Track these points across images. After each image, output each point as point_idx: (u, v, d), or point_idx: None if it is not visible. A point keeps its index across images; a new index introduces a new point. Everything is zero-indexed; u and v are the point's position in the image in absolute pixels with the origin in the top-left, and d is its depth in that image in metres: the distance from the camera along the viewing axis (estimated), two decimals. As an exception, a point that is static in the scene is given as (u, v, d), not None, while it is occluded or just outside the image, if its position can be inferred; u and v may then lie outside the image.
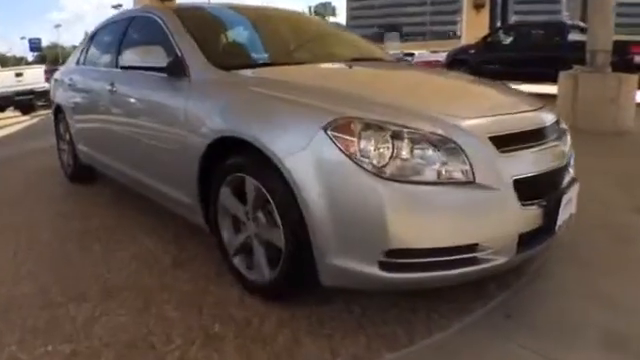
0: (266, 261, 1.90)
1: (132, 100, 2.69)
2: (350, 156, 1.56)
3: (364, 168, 1.54)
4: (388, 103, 1.77)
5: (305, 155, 1.62)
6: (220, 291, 2.06)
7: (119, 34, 3.14)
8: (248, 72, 2.24)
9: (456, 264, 1.61)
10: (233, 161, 1.93)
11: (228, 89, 2.08)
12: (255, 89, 1.99)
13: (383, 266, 1.58)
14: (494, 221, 1.64)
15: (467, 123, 1.70)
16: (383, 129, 1.58)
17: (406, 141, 1.57)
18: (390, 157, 1.55)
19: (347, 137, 1.58)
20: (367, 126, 1.59)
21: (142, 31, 2.90)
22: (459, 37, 19.27)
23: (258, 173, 1.80)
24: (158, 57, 2.31)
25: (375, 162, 1.55)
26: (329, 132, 1.60)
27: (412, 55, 22.92)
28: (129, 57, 2.49)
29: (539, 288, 2.03)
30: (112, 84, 2.89)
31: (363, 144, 1.57)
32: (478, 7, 14.68)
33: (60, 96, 3.96)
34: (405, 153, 1.56)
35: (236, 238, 2.05)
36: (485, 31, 12.43)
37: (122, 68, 2.65)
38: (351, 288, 1.75)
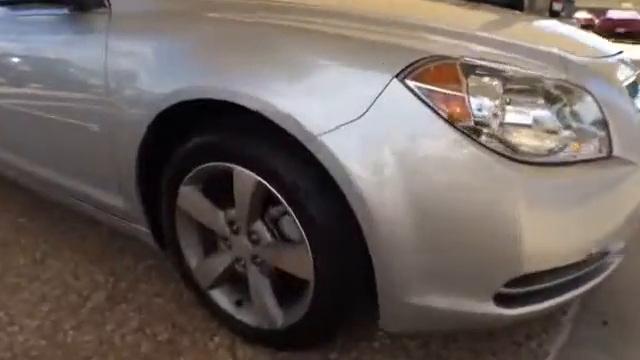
0: (274, 299, 1.20)
1: (14, 59, 1.66)
2: (453, 123, 0.89)
3: (482, 144, 0.90)
4: (493, 39, 1.09)
5: (364, 127, 0.92)
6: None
7: None
8: None
9: (586, 278, 1.07)
10: (204, 142, 1.15)
11: (191, 21, 1.19)
12: (250, 18, 1.13)
13: (502, 300, 0.98)
14: (629, 209, 1.10)
15: (597, 67, 1.12)
16: (507, 78, 0.93)
17: (544, 97, 0.95)
18: (521, 125, 0.92)
19: (445, 91, 0.90)
20: (480, 72, 0.92)
21: None
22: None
23: (261, 160, 1.05)
24: None
25: (500, 133, 0.91)
26: (410, 82, 0.91)
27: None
28: None
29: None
30: None
31: (475, 102, 0.90)
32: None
33: None
34: (543, 116, 0.94)
35: (212, 262, 1.30)
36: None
37: None
38: (423, 333, 1.14)
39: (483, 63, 0.92)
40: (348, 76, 0.93)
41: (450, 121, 0.88)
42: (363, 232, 0.95)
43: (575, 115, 1.00)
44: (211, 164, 1.14)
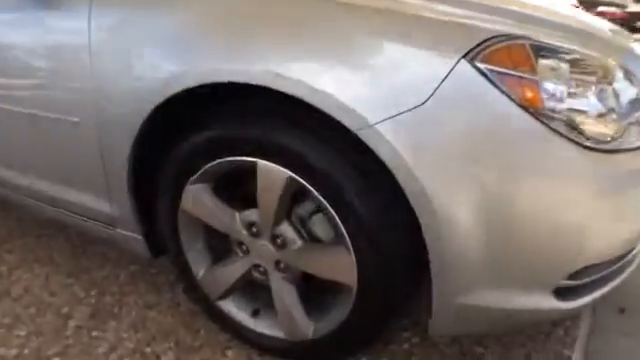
0: (302, 308, 1.08)
1: None
2: (526, 108, 0.81)
3: (554, 130, 0.82)
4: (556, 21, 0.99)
5: (427, 114, 0.81)
6: None
7: None
8: None
9: (622, 269, 1.04)
10: (219, 134, 0.99)
11: None
12: None
13: (560, 294, 0.92)
14: None
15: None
16: (573, 60, 0.85)
17: (605, 80, 0.88)
18: (587, 111, 0.85)
19: (517, 73, 0.81)
20: (547, 54, 0.84)
21: None
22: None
23: (296, 154, 0.92)
24: None
25: (569, 119, 0.83)
26: (479, 64, 0.81)
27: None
28: None
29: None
30: None
31: (546, 86, 0.82)
32: None
33: None
34: (607, 101, 0.87)
35: (225, 269, 1.15)
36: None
37: None
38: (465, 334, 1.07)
39: (551, 44, 0.84)
40: (407, 58, 0.81)
41: (523, 106, 0.80)
42: (422, 229, 0.85)
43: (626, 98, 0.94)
44: (228, 159, 0.99)
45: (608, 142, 0.87)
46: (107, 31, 1.04)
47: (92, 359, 1.18)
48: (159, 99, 0.98)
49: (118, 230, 1.28)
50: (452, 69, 0.79)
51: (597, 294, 0.99)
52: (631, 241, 0.97)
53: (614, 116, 0.89)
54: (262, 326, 1.16)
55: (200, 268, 1.18)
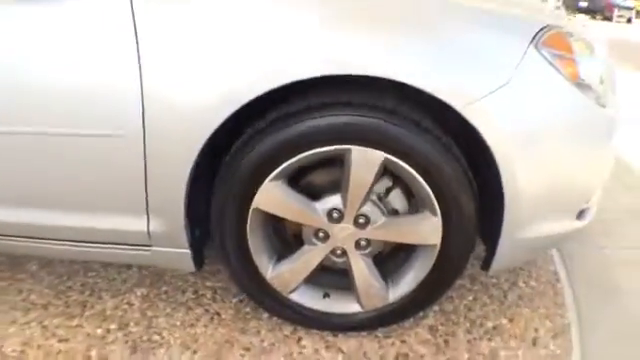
0: (376, 276, 1.21)
1: None
2: (573, 81, 1.07)
3: (589, 97, 1.10)
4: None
5: (511, 91, 1.01)
6: None
7: None
8: None
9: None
10: (315, 124, 1.04)
11: None
12: None
13: (580, 214, 1.24)
14: None
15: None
16: (587, 43, 1.15)
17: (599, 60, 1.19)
18: (596, 82, 1.15)
19: (564, 54, 1.06)
20: (575, 39, 1.11)
21: None
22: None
23: (394, 136, 1.03)
24: None
25: (594, 88, 1.12)
26: (541, 48, 1.03)
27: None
28: None
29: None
30: None
31: (580, 64, 1.09)
32: None
33: None
34: (602, 72, 1.19)
35: (299, 261, 1.20)
36: None
37: None
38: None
39: (575, 31, 1.11)
40: (491, 46, 1.00)
41: (570, 79, 1.06)
42: (503, 186, 1.06)
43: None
44: (314, 152, 1.05)
45: (606, 104, 1.19)
46: (170, 26, 0.99)
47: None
48: (235, 107, 0.99)
49: (154, 249, 1.21)
50: (524, 54, 1.01)
51: (589, 218, 1.32)
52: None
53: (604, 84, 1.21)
54: (334, 307, 1.25)
55: (268, 267, 1.20)
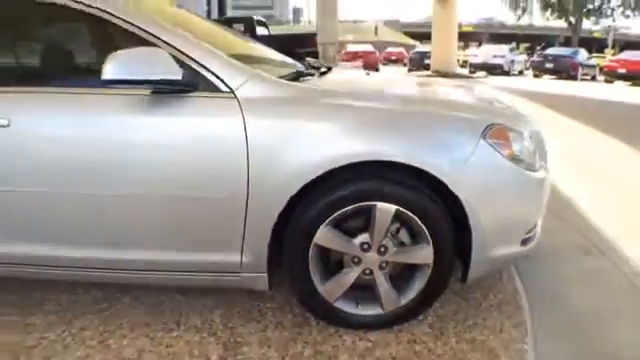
0: (392, 287, 1.85)
1: (78, 138, 1.72)
2: (508, 158, 1.78)
3: (520, 166, 1.80)
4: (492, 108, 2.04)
5: (470, 165, 1.72)
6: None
7: None
8: (318, 83, 2.02)
9: (536, 233, 2.09)
10: (354, 190, 1.72)
11: (342, 105, 1.75)
12: (382, 105, 1.80)
13: (523, 242, 1.91)
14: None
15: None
16: (518, 131, 1.87)
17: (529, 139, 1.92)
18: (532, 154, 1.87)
19: (505, 142, 1.78)
20: (510, 129, 1.83)
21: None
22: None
23: (401, 195, 1.72)
24: (151, 65, 1.60)
25: (526, 160, 1.83)
26: (489, 140, 1.75)
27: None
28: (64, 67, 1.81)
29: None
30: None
31: (514, 146, 1.81)
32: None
33: None
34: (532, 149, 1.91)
35: (342, 278, 1.84)
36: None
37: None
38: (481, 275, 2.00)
39: (509, 125, 1.84)
40: (457, 141, 1.72)
41: (508, 157, 1.77)
42: (470, 225, 1.73)
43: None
44: (354, 205, 1.72)
45: (535, 169, 1.89)
46: (269, 131, 1.67)
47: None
48: (311, 176, 1.66)
49: (242, 274, 1.83)
50: (477, 142, 1.72)
51: (533, 244, 2.00)
52: (538, 216, 2.02)
53: (534, 155, 1.92)
54: (364, 310, 1.88)
55: (321, 283, 1.83)
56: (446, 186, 1.69)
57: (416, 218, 1.73)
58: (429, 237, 1.76)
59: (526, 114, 2.12)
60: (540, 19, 46.37)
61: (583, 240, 2.84)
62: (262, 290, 1.88)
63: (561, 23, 45.66)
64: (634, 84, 17.84)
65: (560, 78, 20.71)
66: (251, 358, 1.76)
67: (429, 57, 21.98)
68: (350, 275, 1.83)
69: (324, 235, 1.75)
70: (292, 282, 1.85)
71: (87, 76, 1.90)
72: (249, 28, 9.86)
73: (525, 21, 46.47)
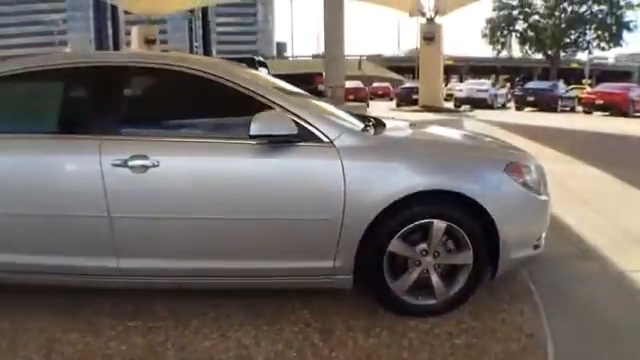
0: (443, 283, 2.58)
1: (210, 176, 2.44)
2: (523, 185, 2.57)
3: (531, 191, 2.59)
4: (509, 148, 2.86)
5: (498, 191, 2.50)
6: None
7: (107, 89, 2.58)
8: (389, 135, 2.86)
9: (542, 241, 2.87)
10: (418, 211, 2.46)
11: (408, 151, 2.61)
12: (436, 150, 2.71)
13: (534, 247, 2.68)
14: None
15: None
16: (528, 166, 2.68)
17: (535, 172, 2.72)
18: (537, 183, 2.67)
19: (520, 176, 2.58)
20: (525, 165, 2.64)
21: (173, 89, 2.68)
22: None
23: (454, 215, 2.46)
24: (279, 124, 2.32)
25: (534, 186, 2.63)
26: (509, 174, 2.54)
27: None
28: (195, 122, 2.57)
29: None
30: (142, 156, 2.37)
31: (527, 178, 2.60)
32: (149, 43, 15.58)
33: None
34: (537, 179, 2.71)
35: (407, 277, 2.55)
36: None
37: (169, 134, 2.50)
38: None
39: (521, 162, 2.64)
40: (488, 175, 2.51)
41: (522, 185, 2.56)
42: (498, 233, 2.49)
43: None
44: (418, 222, 2.47)
45: (541, 193, 2.69)
46: (361, 170, 2.41)
47: None
48: (389, 202, 2.41)
49: (334, 277, 2.54)
50: (502, 175, 2.52)
51: (540, 249, 2.76)
52: (544, 228, 2.80)
53: (539, 183, 2.71)
54: (422, 301, 2.59)
55: (392, 281, 2.55)
56: (481, 206, 2.45)
57: (461, 230, 2.48)
58: (470, 244, 2.50)
59: (530, 153, 2.93)
60: (519, 52, 48.78)
61: (575, 249, 3.61)
62: (347, 289, 2.58)
63: (539, 55, 48.09)
64: (611, 114, 19.17)
65: (541, 110, 21.97)
66: (342, 338, 2.44)
67: (416, 92, 23.23)
68: (413, 274, 2.55)
69: (396, 245, 2.49)
70: (370, 281, 2.56)
71: (221, 128, 2.64)
72: (251, 68, 10.74)
73: (504, 54, 48.74)
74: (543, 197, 2.68)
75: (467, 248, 2.51)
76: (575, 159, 7.63)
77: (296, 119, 2.42)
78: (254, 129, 2.29)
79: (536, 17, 46.05)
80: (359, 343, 2.39)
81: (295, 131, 2.35)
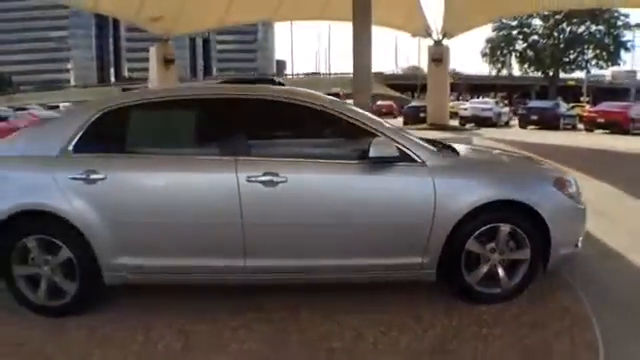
0: (506, 275, 3.29)
1: (327, 189, 3.12)
2: (569, 196, 3.31)
3: (572, 201, 3.34)
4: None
5: (548, 200, 3.24)
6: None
7: (233, 118, 3.26)
8: (464, 156, 3.61)
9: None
10: (489, 216, 3.16)
11: (481, 167, 3.38)
12: (503, 168, 3.52)
13: (575, 245, 3.41)
14: None
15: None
16: (570, 180, 3.42)
17: (574, 184, 3.47)
18: (577, 194, 3.41)
19: (564, 188, 3.32)
20: (567, 180, 3.39)
21: (297, 118, 3.36)
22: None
23: (516, 220, 3.17)
24: (388, 148, 3.02)
25: (575, 197, 3.37)
26: (557, 187, 3.29)
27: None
28: (313, 147, 3.27)
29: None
30: (273, 173, 3.00)
31: (570, 189, 3.35)
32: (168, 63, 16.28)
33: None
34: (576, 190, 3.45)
35: (477, 270, 3.26)
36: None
37: (295, 157, 3.17)
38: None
39: (564, 177, 3.40)
40: (541, 188, 3.26)
41: (567, 196, 3.31)
42: (550, 233, 3.19)
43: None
44: (490, 225, 3.18)
45: (580, 202, 3.44)
46: (443, 186, 3.09)
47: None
48: (468, 209, 3.13)
49: (422, 271, 3.25)
50: (552, 188, 3.27)
51: (580, 247, 3.49)
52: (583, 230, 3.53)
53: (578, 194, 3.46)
54: (490, 290, 3.30)
55: (468, 274, 3.24)
56: (537, 213, 3.18)
57: (521, 232, 3.20)
58: (528, 243, 3.22)
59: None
60: (518, 71, 50.13)
61: (596, 251, 4.33)
62: (431, 281, 3.28)
63: (538, 73, 49.36)
64: (612, 132, 20.05)
65: (543, 128, 22.77)
66: (430, 321, 3.13)
67: (422, 111, 24.12)
68: (483, 268, 3.24)
69: (471, 244, 3.19)
70: (450, 274, 3.25)
71: (335, 151, 3.36)
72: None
73: (504, 72, 50.03)
74: (581, 206, 3.41)
75: (525, 246, 3.21)
76: (585, 174, 8.39)
77: (396, 144, 3.13)
78: (373, 152, 3.01)
79: (535, 37, 47.43)
80: (444, 324, 3.07)
81: (397, 154, 3.08)
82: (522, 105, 31.06)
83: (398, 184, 3.13)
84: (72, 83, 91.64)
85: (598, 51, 45.65)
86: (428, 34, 19.75)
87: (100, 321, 3.10)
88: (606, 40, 45.04)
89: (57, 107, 24.43)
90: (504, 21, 44.86)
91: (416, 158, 3.15)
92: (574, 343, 2.80)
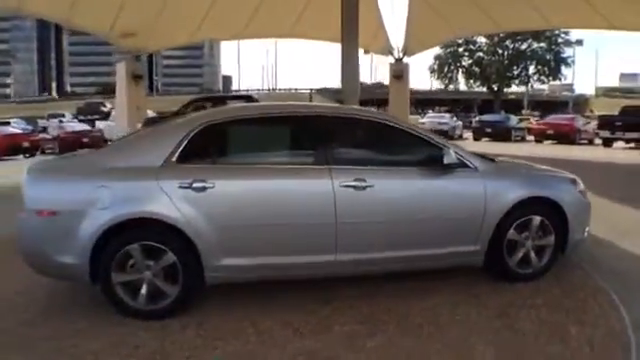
0: (537, 258, 4.17)
1: (405, 191, 3.86)
2: (580, 192, 4.26)
3: (582, 196, 4.28)
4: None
5: (568, 196, 4.16)
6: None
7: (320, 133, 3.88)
8: (502, 163, 4.49)
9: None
10: (525, 210, 4.01)
11: (517, 171, 4.28)
12: (533, 172, 4.47)
13: (584, 233, 4.35)
14: None
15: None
16: (578, 181, 4.38)
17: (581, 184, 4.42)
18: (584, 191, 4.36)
19: (576, 185, 4.27)
20: (576, 180, 4.34)
21: (377, 133, 4.11)
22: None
23: (544, 212, 4.04)
24: (452, 157, 3.79)
25: (583, 193, 4.32)
26: (575, 185, 4.23)
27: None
28: (391, 155, 4.01)
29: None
30: (361, 180, 3.62)
31: (580, 186, 4.30)
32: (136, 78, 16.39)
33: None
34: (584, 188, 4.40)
35: (515, 255, 4.10)
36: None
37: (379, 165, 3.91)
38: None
39: (574, 178, 4.37)
40: (562, 186, 4.26)
41: (578, 192, 4.29)
42: (568, 222, 4.10)
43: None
44: (526, 217, 4.03)
45: (587, 197, 4.40)
46: (491, 186, 3.93)
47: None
48: (512, 204, 3.97)
49: (474, 257, 4.07)
50: (569, 186, 4.24)
51: (588, 234, 4.46)
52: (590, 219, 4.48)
53: (585, 191, 4.45)
54: (524, 271, 4.15)
55: (508, 258, 4.07)
56: (560, 207, 4.08)
57: (548, 222, 4.09)
58: (553, 231, 4.11)
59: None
60: (464, 85, 53.09)
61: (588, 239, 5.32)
62: (479, 266, 4.09)
63: (483, 88, 52.47)
64: (559, 142, 22.01)
65: (496, 140, 24.55)
66: (487, 298, 3.92)
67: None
68: (520, 253, 4.09)
69: (511, 233, 4.03)
70: (495, 259, 4.07)
71: (409, 159, 4.10)
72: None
73: (451, 87, 52.79)
74: (588, 201, 4.37)
75: (551, 234, 4.09)
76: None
77: (455, 154, 3.94)
78: (446, 160, 3.81)
79: (480, 54, 50.54)
80: (497, 299, 3.87)
81: (456, 161, 3.90)
82: (473, 119, 33.14)
83: (460, 186, 3.96)
84: (11, 98, 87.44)
85: (540, 67, 49.23)
86: (390, 52, 20.97)
87: (205, 316, 3.54)
88: (547, 56, 48.67)
89: (7, 123, 23.46)
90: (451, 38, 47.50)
91: (470, 165, 3.99)
92: (598, 303, 3.71)
